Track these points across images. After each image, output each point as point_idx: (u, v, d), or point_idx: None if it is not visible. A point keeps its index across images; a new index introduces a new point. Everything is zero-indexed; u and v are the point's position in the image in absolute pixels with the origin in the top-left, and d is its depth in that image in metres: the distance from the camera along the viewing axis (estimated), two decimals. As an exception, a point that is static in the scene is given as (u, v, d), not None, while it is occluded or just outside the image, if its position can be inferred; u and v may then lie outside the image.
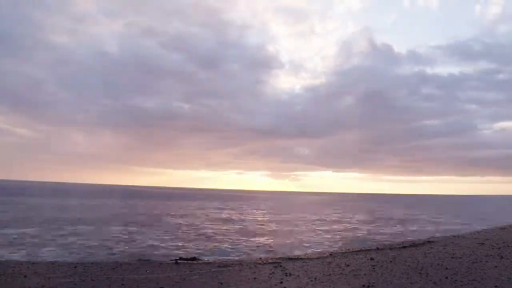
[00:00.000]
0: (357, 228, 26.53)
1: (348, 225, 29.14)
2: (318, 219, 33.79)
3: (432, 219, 36.37)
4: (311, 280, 9.40)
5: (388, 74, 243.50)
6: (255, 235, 21.45)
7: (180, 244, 17.13)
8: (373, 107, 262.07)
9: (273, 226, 26.68)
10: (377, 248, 16.21)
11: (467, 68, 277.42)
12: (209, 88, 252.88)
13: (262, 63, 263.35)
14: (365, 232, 24.35)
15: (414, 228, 27.16)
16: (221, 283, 9.13)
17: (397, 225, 29.57)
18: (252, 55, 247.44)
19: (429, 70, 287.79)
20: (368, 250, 15.84)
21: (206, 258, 13.74)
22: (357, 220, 33.97)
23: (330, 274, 10.16)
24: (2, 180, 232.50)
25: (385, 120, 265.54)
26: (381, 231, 25.01)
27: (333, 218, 35.40)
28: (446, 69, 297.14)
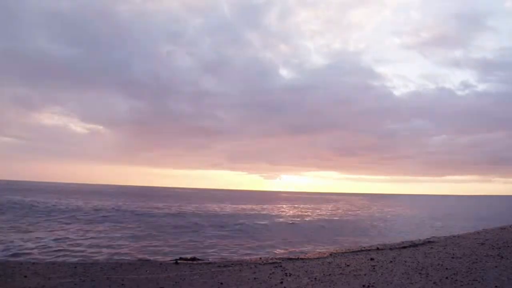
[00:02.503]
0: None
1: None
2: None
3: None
4: (311, 280, 9.40)
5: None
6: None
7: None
8: (352, 110, 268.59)
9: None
10: (377, 248, 16.21)
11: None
12: (207, 89, 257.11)
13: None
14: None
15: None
16: (221, 283, 9.12)
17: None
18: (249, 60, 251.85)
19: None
20: (368, 250, 15.84)
21: (206, 258, 13.75)
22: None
23: (330, 274, 10.16)
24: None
25: (363, 122, 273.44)
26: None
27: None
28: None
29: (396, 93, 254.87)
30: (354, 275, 10.01)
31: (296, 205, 61.28)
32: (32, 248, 14.55)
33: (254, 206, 51.91)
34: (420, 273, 10.12)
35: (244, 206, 51.20)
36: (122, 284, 8.91)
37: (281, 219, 32.85)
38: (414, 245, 17.18)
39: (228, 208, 46.67)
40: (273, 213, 40.26)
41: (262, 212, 40.69)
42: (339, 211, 49.09)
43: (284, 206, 58.14)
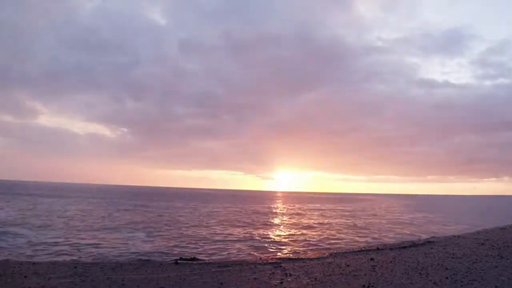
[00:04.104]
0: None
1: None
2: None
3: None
4: (311, 280, 9.40)
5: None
6: None
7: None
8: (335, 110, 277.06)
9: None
10: (377, 248, 16.20)
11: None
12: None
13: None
14: None
15: None
16: (221, 283, 9.12)
17: None
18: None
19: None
20: (368, 250, 15.83)
21: (206, 258, 13.74)
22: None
23: (330, 274, 10.16)
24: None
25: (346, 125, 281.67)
26: None
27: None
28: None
29: (384, 94, 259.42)
30: (354, 275, 10.00)
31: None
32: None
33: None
34: (420, 273, 10.12)
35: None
36: (122, 284, 8.90)
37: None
38: (414, 245, 17.17)
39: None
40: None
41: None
42: None
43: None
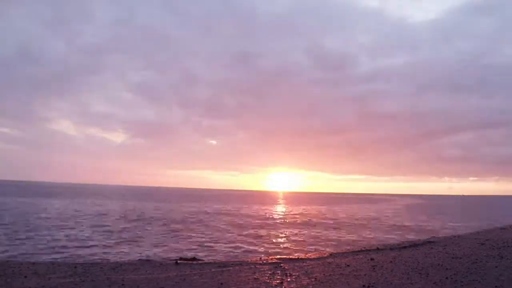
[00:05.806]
0: None
1: None
2: None
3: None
4: (311, 281, 9.39)
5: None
6: None
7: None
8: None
9: None
10: (377, 249, 16.20)
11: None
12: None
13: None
14: None
15: None
16: (221, 283, 9.11)
17: None
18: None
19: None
20: (368, 250, 15.82)
21: (206, 258, 13.74)
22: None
23: (330, 274, 10.15)
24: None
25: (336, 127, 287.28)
26: None
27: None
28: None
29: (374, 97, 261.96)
30: (354, 275, 9.99)
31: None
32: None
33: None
34: (420, 273, 10.11)
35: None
36: (122, 284, 8.89)
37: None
38: (414, 245, 17.16)
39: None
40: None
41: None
42: None
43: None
